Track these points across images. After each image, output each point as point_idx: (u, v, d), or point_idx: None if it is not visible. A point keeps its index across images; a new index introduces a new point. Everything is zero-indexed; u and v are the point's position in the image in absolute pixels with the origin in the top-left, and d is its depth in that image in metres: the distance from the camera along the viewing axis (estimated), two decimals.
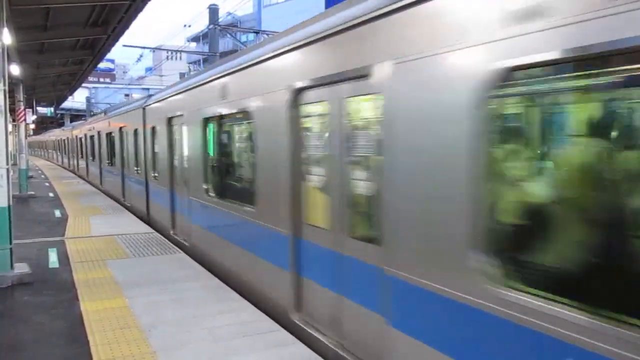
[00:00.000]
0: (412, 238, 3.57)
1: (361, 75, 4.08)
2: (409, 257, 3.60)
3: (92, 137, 23.07)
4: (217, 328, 5.31)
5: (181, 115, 9.35)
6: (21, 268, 7.40)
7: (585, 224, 2.81)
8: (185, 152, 9.26)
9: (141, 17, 15.70)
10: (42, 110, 32.81)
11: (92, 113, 41.48)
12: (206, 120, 8.04)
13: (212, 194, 7.98)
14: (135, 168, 13.98)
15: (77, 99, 55.45)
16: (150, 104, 12.18)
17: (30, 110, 24.80)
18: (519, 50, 2.71)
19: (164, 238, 10.15)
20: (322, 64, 4.71)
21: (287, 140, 5.29)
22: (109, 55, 22.18)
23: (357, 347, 4.39)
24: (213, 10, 22.85)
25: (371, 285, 4.06)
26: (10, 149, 8.11)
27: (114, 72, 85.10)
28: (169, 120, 10.27)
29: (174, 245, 9.42)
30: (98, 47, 16.67)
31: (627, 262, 2.61)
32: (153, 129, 11.75)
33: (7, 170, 7.20)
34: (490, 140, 3.04)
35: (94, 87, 66.47)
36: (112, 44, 16.04)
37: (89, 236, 10.50)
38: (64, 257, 8.57)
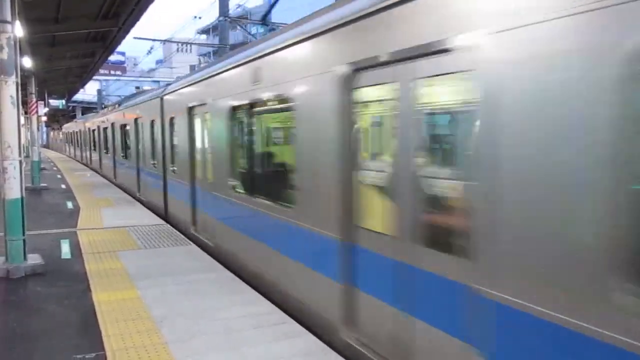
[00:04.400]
0: None
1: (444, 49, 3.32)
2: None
3: (105, 129, 22.49)
4: (228, 319, 5.33)
5: (204, 104, 8.72)
6: (34, 259, 7.48)
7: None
8: (209, 144, 8.61)
9: (151, 9, 15.76)
10: (53, 102, 32.96)
11: (103, 105, 41.67)
12: (234, 109, 7.32)
13: (240, 190, 7.31)
14: (152, 161, 13.18)
15: (89, 92, 55.69)
16: (168, 93, 11.37)
17: (42, 102, 24.96)
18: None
19: (175, 230, 10.20)
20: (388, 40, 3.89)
21: (336, 130, 4.57)
22: (119, 48, 22.26)
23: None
24: (223, 2, 22.78)
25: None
26: (22, 141, 8.15)
27: (125, 65, 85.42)
28: (190, 110, 9.62)
29: (185, 237, 9.45)
30: (109, 40, 16.71)
31: None
32: (172, 119, 11.07)
33: (20, 162, 7.25)
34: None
35: (105, 80, 66.72)
36: (123, 37, 16.06)
37: (101, 228, 10.58)
38: (76, 249, 8.65)
